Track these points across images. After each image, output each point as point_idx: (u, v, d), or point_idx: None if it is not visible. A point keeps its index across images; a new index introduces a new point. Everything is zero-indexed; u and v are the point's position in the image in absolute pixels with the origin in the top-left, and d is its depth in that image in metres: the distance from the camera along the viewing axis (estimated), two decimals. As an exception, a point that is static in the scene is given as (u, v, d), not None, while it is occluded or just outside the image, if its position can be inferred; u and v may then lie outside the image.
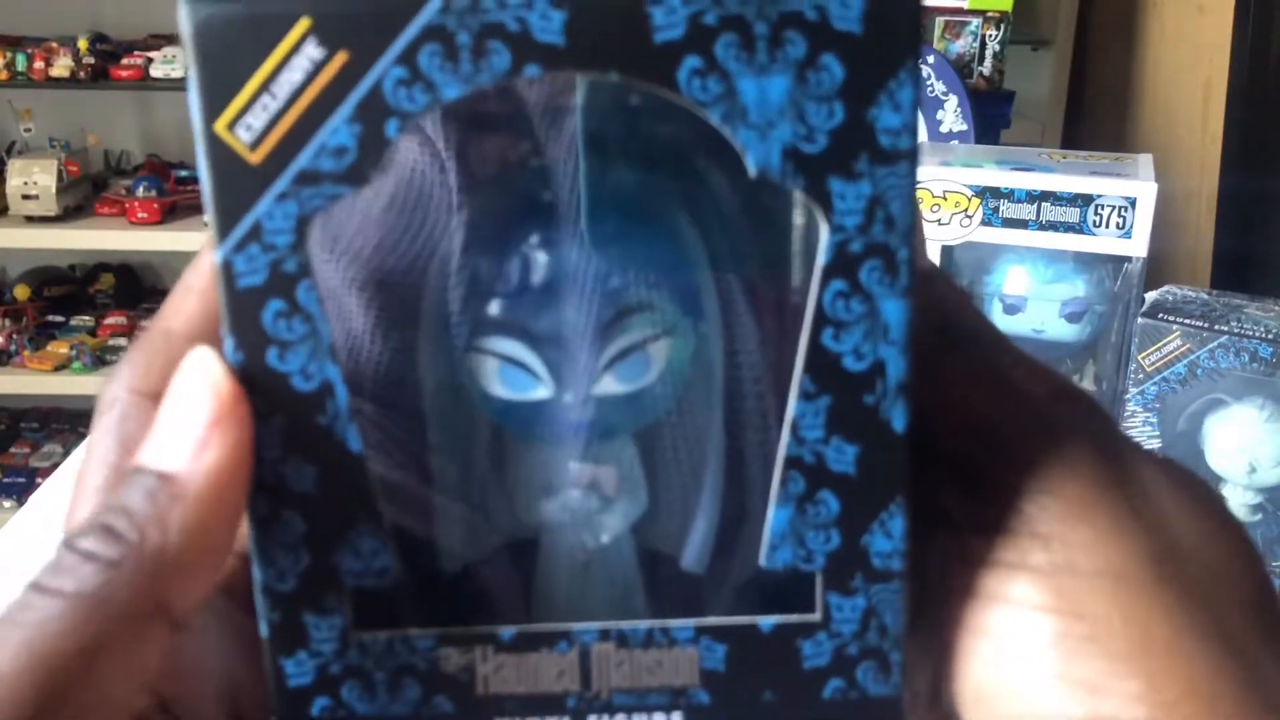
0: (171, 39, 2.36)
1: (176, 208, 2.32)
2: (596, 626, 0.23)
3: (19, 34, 2.38)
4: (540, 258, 0.25)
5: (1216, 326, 0.64)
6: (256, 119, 0.21)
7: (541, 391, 0.25)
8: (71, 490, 0.23)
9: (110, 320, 2.46)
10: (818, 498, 0.22)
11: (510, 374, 0.25)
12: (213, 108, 0.21)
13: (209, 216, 0.21)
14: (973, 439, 0.24)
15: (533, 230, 0.25)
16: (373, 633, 0.23)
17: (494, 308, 0.25)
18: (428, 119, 0.22)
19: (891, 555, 0.23)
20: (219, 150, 0.21)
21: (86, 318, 2.48)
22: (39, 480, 2.30)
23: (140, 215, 2.26)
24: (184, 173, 2.44)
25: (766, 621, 0.23)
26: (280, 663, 0.23)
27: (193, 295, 0.23)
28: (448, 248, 0.25)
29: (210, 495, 0.20)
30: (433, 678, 0.23)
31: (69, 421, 2.56)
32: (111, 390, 0.23)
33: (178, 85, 2.29)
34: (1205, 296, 0.70)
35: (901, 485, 0.23)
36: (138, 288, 2.62)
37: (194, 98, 0.21)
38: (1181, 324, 0.65)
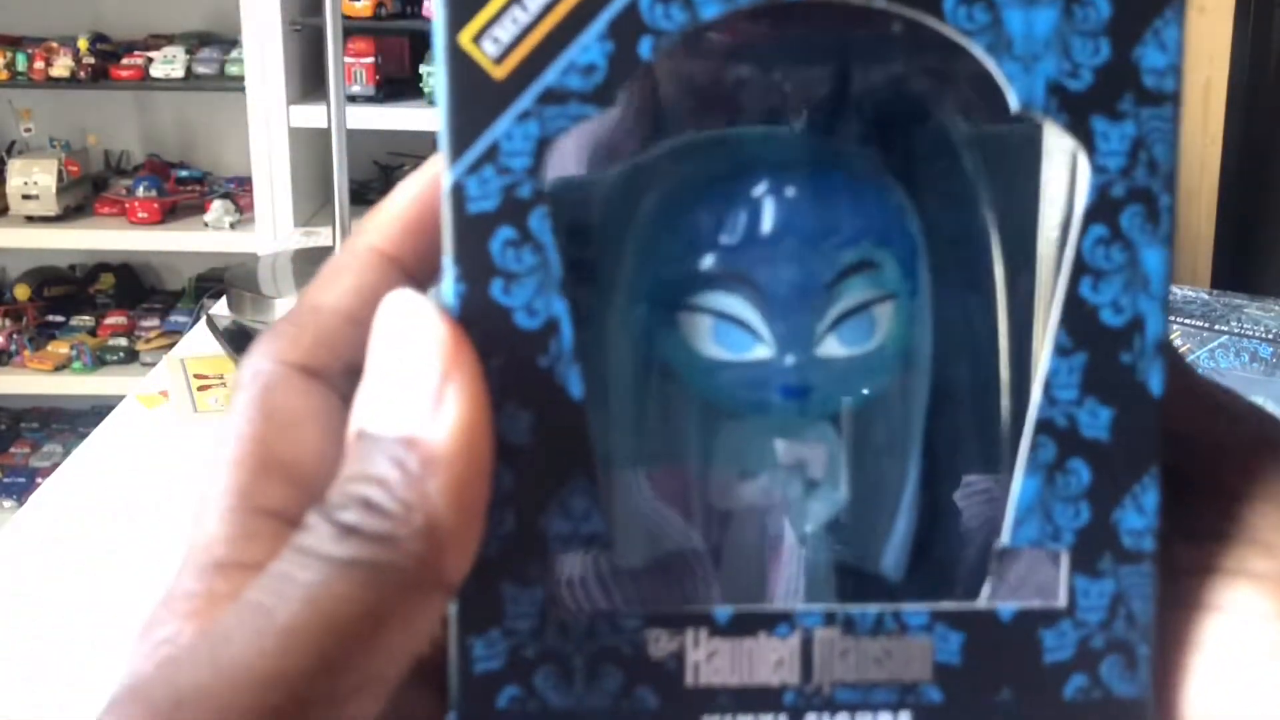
0: (171, 39, 2.36)
1: (176, 208, 2.32)
2: (821, 609, 0.21)
3: (19, 34, 2.38)
4: (764, 208, 0.23)
5: (1216, 326, 0.64)
6: (505, 32, 0.19)
7: (761, 351, 0.23)
8: (210, 463, 0.21)
9: (110, 320, 2.45)
10: (1068, 466, 0.21)
11: (727, 332, 0.23)
12: (459, 17, 0.19)
13: (442, 137, 0.20)
14: (1180, 447, 0.22)
15: (753, 181, 0.23)
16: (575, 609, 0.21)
17: (711, 261, 0.23)
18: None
19: (1143, 534, 0.21)
20: (461, 64, 0.19)
21: (86, 318, 2.48)
22: (39, 480, 2.30)
23: (140, 215, 2.26)
24: (184, 173, 2.44)
25: (1007, 608, 0.21)
26: (468, 643, 0.20)
27: (346, 273, 0.22)
28: (655, 195, 0.23)
29: (461, 455, 0.19)
30: (637, 665, 0.21)
31: (69, 421, 2.56)
32: (253, 363, 0.21)
33: (177, 85, 2.28)
34: (1205, 296, 0.69)
35: (1156, 454, 0.21)
36: (138, 288, 2.61)
37: (439, 6, 0.19)
38: (1181, 324, 0.65)
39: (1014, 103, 0.20)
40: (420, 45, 2.22)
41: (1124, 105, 0.20)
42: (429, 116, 2.10)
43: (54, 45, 2.27)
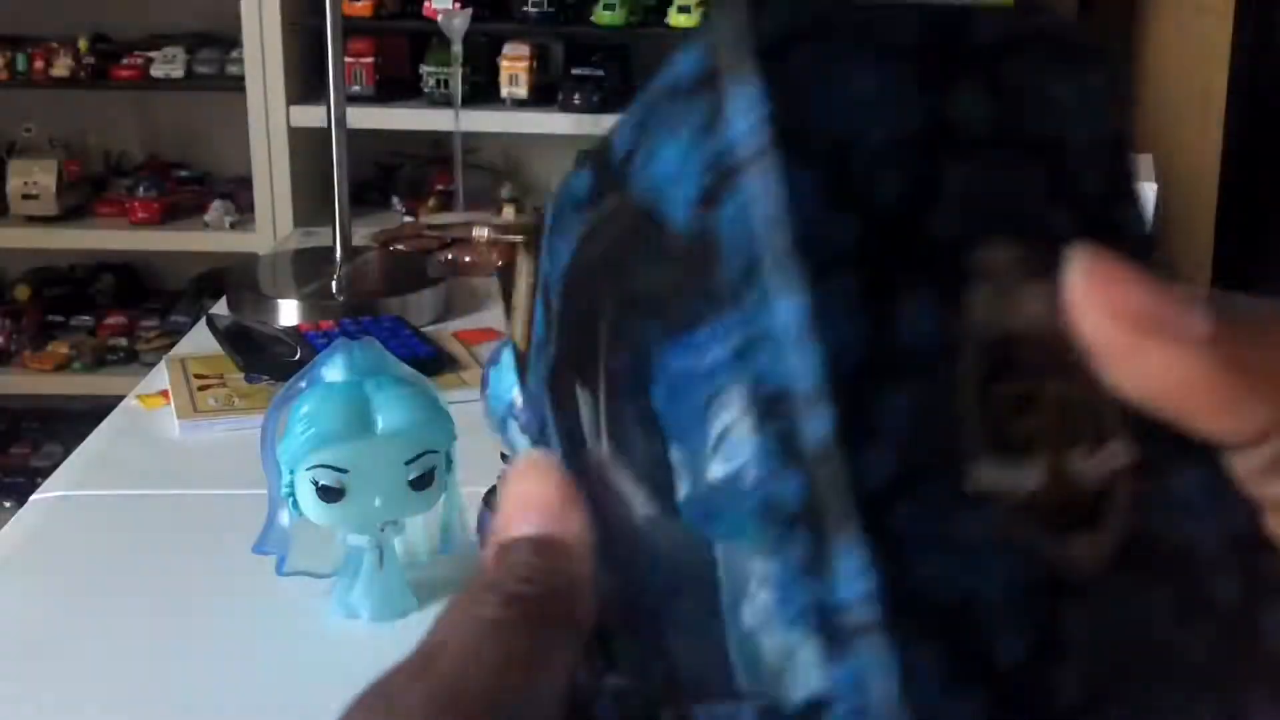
0: (171, 39, 2.36)
1: (176, 208, 2.32)
2: None
3: (19, 34, 2.38)
4: None
5: (1217, 326, 0.64)
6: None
7: None
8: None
9: (110, 320, 2.45)
10: None
11: None
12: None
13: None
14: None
15: None
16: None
17: None
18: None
19: None
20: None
21: (86, 318, 2.48)
22: (39, 480, 2.30)
23: (140, 215, 2.26)
24: (184, 173, 2.44)
25: None
26: None
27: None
28: None
29: (579, 547, 0.25)
30: None
31: (69, 421, 2.55)
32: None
33: (178, 85, 2.29)
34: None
35: None
36: (138, 288, 2.61)
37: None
38: (1182, 324, 0.65)
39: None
40: (420, 45, 2.22)
41: None
42: (429, 116, 2.11)
43: (54, 45, 2.27)
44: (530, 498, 0.26)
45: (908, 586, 0.19)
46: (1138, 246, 0.23)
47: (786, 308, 0.20)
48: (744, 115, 0.20)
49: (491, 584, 0.25)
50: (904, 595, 0.19)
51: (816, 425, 0.19)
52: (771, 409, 0.20)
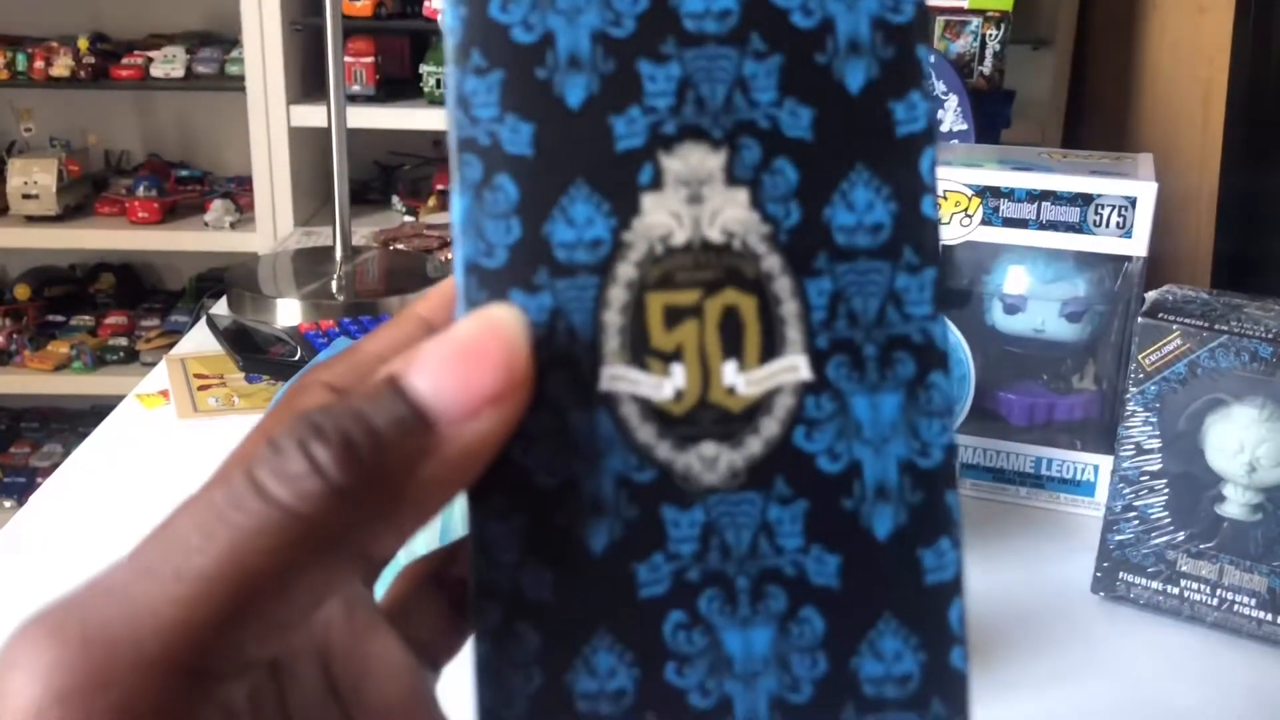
0: (171, 39, 2.36)
1: (176, 208, 2.32)
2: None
3: (19, 34, 2.38)
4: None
5: (1216, 326, 0.64)
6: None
7: None
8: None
9: (110, 320, 2.46)
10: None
11: None
12: None
13: None
14: None
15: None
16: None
17: None
18: None
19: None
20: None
21: (86, 318, 2.48)
22: (39, 480, 2.30)
23: (140, 215, 2.26)
24: (184, 173, 2.44)
25: None
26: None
27: (390, 328, 0.25)
28: None
29: (461, 464, 0.19)
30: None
31: (69, 421, 2.56)
32: (297, 379, 0.24)
33: (178, 85, 2.29)
34: (1205, 296, 0.69)
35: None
36: (138, 288, 2.62)
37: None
38: (1181, 324, 0.65)
39: None
40: (420, 45, 2.22)
41: None
42: (429, 116, 2.11)
43: (54, 45, 2.27)
44: (477, 358, 0.20)
45: (511, 463, 0.21)
46: (901, 146, 0.22)
47: (455, 205, 0.21)
48: (449, 14, 0.22)
49: (310, 419, 0.19)
50: (497, 471, 0.20)
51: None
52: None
